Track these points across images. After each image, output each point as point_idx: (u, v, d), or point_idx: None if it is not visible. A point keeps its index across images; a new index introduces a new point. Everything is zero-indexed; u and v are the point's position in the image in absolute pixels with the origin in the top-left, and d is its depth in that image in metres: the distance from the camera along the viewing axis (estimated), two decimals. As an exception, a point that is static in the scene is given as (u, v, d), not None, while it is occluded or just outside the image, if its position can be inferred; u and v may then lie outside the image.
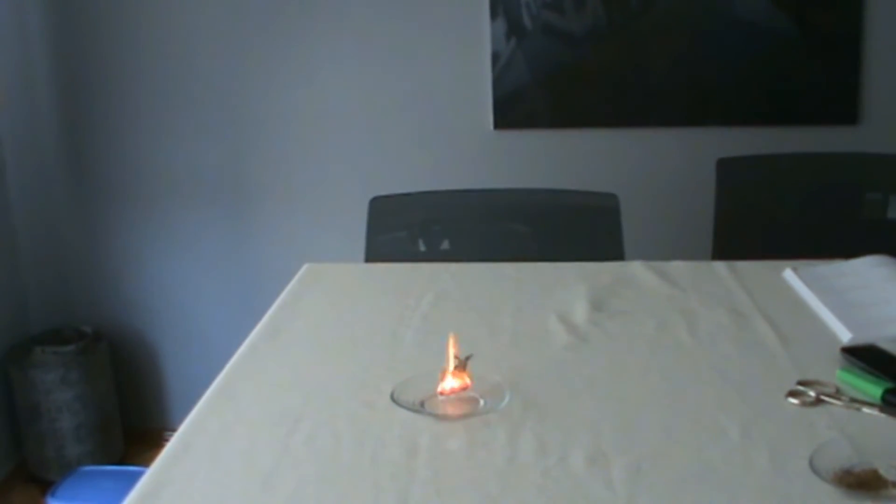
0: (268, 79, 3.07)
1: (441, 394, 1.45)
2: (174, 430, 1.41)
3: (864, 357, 1.50)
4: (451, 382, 1.45)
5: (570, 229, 2.39)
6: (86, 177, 3.22)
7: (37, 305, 3.25)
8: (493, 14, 2.95)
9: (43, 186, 3.21)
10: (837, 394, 1.42)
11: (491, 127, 3.02)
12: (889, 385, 1.40)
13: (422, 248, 2.37)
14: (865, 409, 1.38)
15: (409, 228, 2.41)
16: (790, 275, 1.89)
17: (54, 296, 3.29)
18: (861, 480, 1.19)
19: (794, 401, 1.41)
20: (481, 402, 1.44)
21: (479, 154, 3.05)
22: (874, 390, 1.41)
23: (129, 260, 3.26)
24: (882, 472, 1.20)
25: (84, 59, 3.12)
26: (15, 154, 3.11)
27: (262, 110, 3.10)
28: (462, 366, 1.45)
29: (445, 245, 2.38)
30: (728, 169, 2.51)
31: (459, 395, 1.45)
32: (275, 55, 3.05)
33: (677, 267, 1.99)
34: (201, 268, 3.24)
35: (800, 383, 1.45)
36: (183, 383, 3.33)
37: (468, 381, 1.45)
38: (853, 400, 1.40)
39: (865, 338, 1.57)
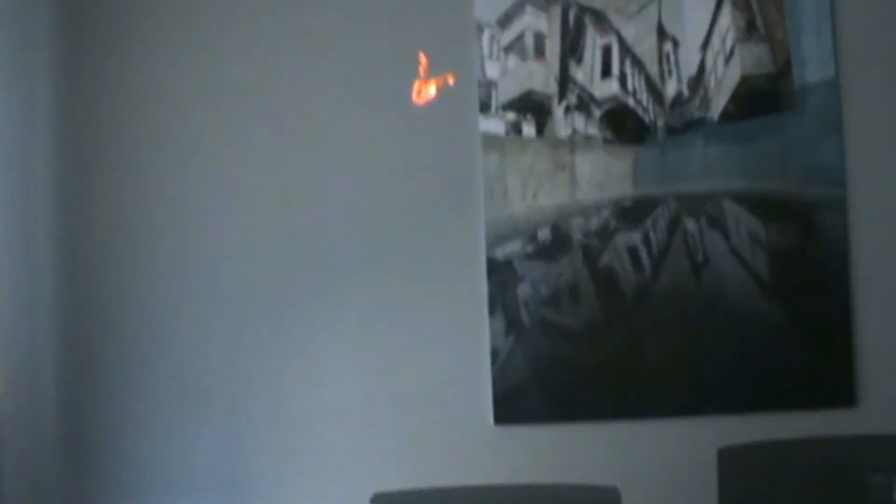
0: (266, 371, 3.13)
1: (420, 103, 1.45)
2: None
3: None
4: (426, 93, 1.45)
5: (572, 522, 2.36)
6: (81, 468, 3.21)
7: None
8: (492, 311, 3.02)
9: (38, 475, 3.19)
10: None
11: (491, 422, 3.02)
12: None
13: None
14: None
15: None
16: (792, 560, 1.82)
17: None
18: None
19: None
20: None
21: (480, 449, 3.03)
22: None
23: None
24: None
25: (88, 346, 3.22)
26: (11, 442, 3.11)
27: (259, 403, 3.13)
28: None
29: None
30: (729, 457, 2.50)
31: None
32: (273, 348, 3.13)
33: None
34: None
35: None
36: None
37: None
38: None
39: None
